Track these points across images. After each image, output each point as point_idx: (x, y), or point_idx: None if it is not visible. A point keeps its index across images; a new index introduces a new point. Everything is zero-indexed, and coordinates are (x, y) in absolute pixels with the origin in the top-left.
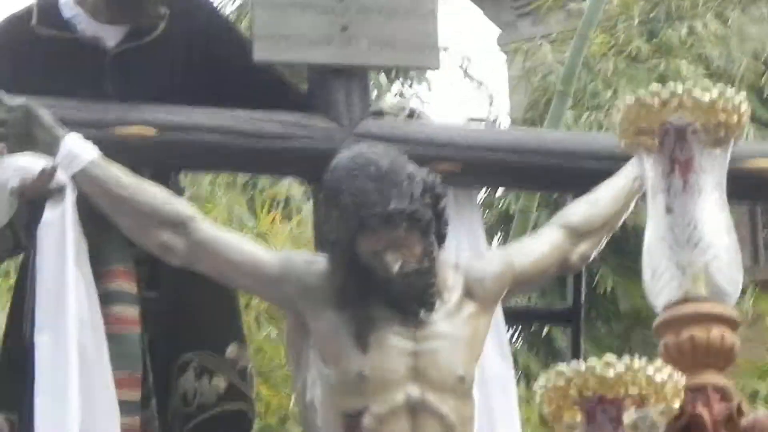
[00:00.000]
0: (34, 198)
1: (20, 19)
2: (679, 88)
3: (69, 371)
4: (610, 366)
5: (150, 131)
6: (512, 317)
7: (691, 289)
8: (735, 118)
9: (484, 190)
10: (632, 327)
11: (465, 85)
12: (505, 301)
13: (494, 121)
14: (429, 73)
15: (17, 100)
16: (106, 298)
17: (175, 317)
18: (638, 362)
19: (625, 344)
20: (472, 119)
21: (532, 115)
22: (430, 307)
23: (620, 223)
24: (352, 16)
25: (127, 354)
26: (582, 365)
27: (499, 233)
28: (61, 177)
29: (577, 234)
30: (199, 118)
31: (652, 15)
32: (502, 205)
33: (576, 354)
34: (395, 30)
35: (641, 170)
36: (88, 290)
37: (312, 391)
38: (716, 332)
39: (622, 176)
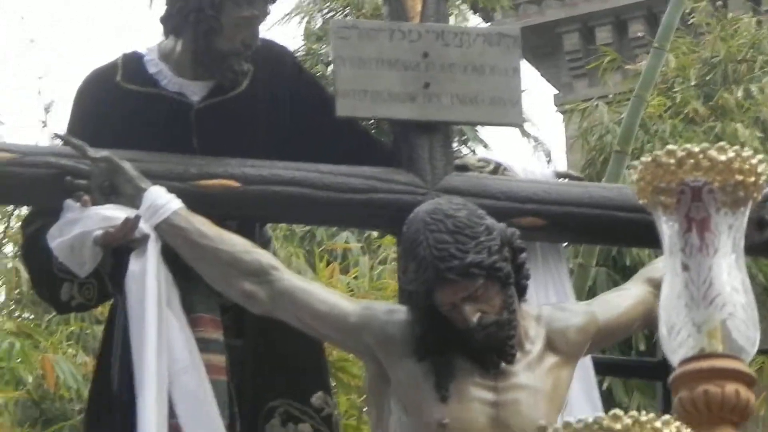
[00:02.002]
0: (117, 247)
1: (105, 74)
2: (696, 148)
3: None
4: (618, 419)
5: (234, 184)
6: (602, 369)
7: (706, 346)
8: (752, 178)
9: None
10: None
11: (523, 144)
12: (587, 354)
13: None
14: (484, 133)
15: (101, 153)
16: None
17: (261, 365)
18: (646, 415)
19: None
20: (558, 174)
21: (589, 173)
22: (510, 358)
23: None
24: (435, 73)
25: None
26: (589, 417)
27: None
28: (144, 227)
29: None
30: (283, 171)
31: (708, 78)
32: None
33: (667, 409)
34: (478, 87)
35: (659, 228)
36: (185, 334)
37: None
38: (731, 388)
39: None
